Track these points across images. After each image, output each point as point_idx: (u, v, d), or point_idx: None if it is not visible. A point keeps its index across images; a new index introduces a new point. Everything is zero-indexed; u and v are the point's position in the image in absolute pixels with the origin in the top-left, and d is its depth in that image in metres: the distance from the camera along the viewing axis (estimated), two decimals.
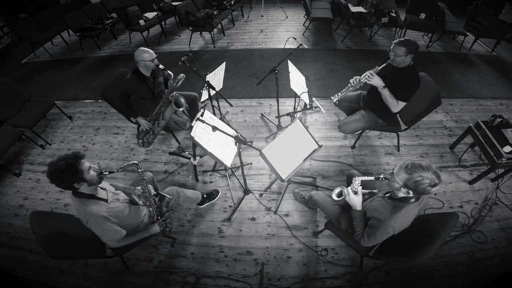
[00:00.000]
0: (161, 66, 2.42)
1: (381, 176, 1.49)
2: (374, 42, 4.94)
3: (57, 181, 1.42)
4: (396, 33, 5.18)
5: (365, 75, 2.22)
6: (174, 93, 2.48)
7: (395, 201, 1.46)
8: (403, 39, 2.06)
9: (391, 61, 2.14)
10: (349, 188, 1.65)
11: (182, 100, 2.48)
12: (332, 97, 2.43)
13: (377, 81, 2.19)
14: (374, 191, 1.79)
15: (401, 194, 1.41)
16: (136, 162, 1.64)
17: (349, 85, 2.34)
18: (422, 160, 1.34)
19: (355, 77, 2.31)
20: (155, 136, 2.71)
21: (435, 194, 2.52)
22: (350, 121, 2.60)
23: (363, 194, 1.72)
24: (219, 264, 2.17)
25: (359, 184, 1.63)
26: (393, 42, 2.10)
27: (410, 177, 1.29)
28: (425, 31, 4.88)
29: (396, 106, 2.24)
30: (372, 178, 1.56)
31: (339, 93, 2.40)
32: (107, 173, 1.58)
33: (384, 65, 2.21)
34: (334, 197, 1.75)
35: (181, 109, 2.45)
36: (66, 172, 1.40)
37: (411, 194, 1.36)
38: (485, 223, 2.33)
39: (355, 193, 1.63)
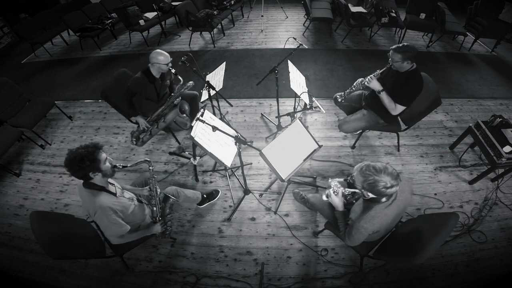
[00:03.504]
0: (173, 71, 2.44)
1: (348, 178, 1.51)
2: (374, 42, 4.93)
3: (75, 168, 1.43)
4: (396, 33, 5.17)
5: (367, 78, 2.28)
6: (179, 98, 2.51)
7: (366, 201, 1.47)
8: (400, 45, 2.09)
9: (391, 65, 2.19)
10: (330, 190, 1.63)
11: (187, 107, 2.52)
12: (337, 96, 2.55)
13: (375, 85, 2.26)
14: (357, 190, 1.76)
15: (369, 194, 1.39)
16: (148, 159, 1.70)
17: (353, 86, 2.42)
18: (378, 162, 1.34)
19: (359, 78, 2.38)
20: (151, 137, 2.71)
21: (435, 194, 2.53)
22: (351, 120, 2.60)
23: (347, 195, 1.69)
24: (219, 264, 2.17)
25: (338, 185, 1.62)
26: (390, 48, 2.13)
27: (365, 180, 1.32)
28: (425, 31, 4.87)
29: (394, 109, 2.28)
30: (342, 179, 1.60)
31: (343, 93, 2.51)
32: (120, 166, 1.63)
33: (384, 69, 2.26)
34: (324, 198, 1.70)
35: (183, 115, 2.48)
36: (85, 159, 1.43)
37: (372, 195, 1.36)
38: (485, 223, 2.33)
39: (337, 194, 1.62)
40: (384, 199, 1.40)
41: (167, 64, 2.38)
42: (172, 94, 2.53)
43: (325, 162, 2.83)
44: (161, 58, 2.35)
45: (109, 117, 3.57)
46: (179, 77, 2.53)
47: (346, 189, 1.66)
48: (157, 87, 2.53)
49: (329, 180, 1.65)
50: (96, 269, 2.19)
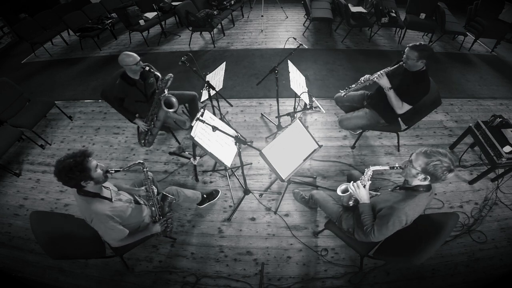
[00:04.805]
0: (147, 68, 2.37)
1: (396, 165, 1.52)
2: (374, 42, 4.93)
3: (65, 179, 1.41)
4: (396, 33, 5.17)
5: (376, 74, 2.25)
6: (166, 93, 2.42)
7: (407, 190, 1.48)
8: (418, 43, 2.07)
9: (403, 63, 2.16)
10: (358, 181, 1.62)
11: (174, 100, 2.42)
12: (341, 90, 2.48)
13: (384, 82, 2.24)
14: (378, 192, 1.78)
15: (416, 182, 1.42)
16: (142, 161, 1.67)
17: (359, 81, 2.38)
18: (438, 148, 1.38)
19: (366, 75, 2.35)
20: (154, 137, 2.71)
21: (435, 194, 2.52)
22: (353, 116, 2.59)
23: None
24: (219, 264, 2.17)
25: (371, 175, 1.62)
26: (407, 45, 2.10)
27: (429, 161, 1.33)
28: (425, 31, 4.87)
29: (401, 108, 2.27)
30: (386, 167, 1.58)
31: (348, 88, 2.45)
32: (113, 171, 1.59)
33: (395, 66, 2.24)
34: (339, 192, 1.71)
35: (171, 110, 2.40)
36: (74, 169, 1.39)
37: (427, 180, 1.38)
38: (485, 223, 2.33)
39: (364, 186, 1.60)
40: (424, 189, 1.42)
41: (136, 64, 2.31)
42: (157, 91, 2.48)
43: (325, 162, 2.83)
44: (129, 59, 2.30)
45: (109, 117, 3.57)
46: (157, 72, 2.44)
47: (369, 182, 1.64)
48: (140, 87, 2.50)
49: (368, 168, 1.61)
50: (96, 269, 2.19)
